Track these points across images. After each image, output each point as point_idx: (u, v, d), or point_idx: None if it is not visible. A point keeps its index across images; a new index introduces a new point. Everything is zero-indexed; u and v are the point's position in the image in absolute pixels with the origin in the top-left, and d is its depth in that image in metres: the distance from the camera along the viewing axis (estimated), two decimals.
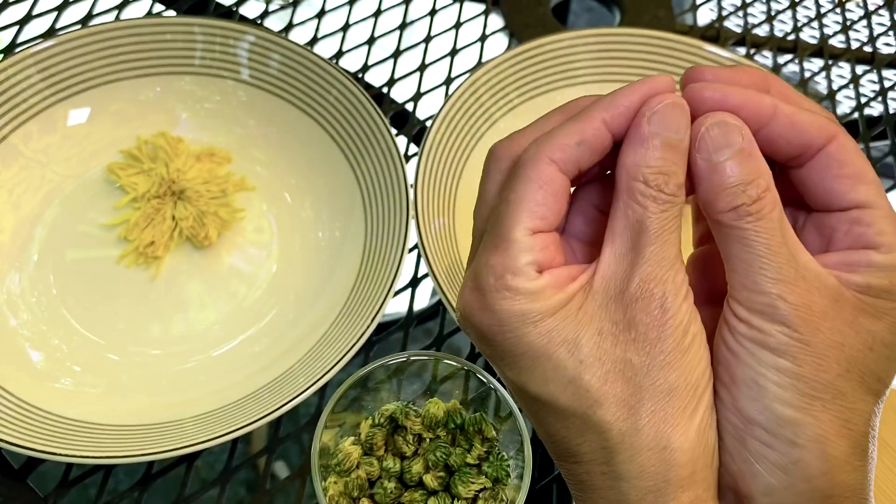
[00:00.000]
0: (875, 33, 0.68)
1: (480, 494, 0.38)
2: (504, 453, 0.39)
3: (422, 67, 0.60)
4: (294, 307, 0.47)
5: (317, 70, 0.51)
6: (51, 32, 0.57)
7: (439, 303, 0.48)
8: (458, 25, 0.63)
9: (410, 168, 0.48)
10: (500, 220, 0.25)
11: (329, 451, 0.39)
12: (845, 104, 0.68)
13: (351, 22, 0.62)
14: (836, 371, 0.23)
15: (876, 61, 0.66)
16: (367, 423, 0.40)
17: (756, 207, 0.23)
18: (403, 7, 0.63)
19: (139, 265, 0.48)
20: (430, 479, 0.38)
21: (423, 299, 0.56)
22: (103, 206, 0.50)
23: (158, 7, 0.61)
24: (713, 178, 0.24)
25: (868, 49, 0.67)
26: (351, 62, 0.59)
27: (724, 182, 0.24)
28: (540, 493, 0.43)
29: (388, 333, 0.47)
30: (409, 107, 0.58)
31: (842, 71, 0.66)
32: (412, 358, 0.40)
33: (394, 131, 0.49)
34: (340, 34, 0.61)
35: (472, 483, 0.38)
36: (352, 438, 0.40)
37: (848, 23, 0.68)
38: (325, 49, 0.59)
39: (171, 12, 0.61)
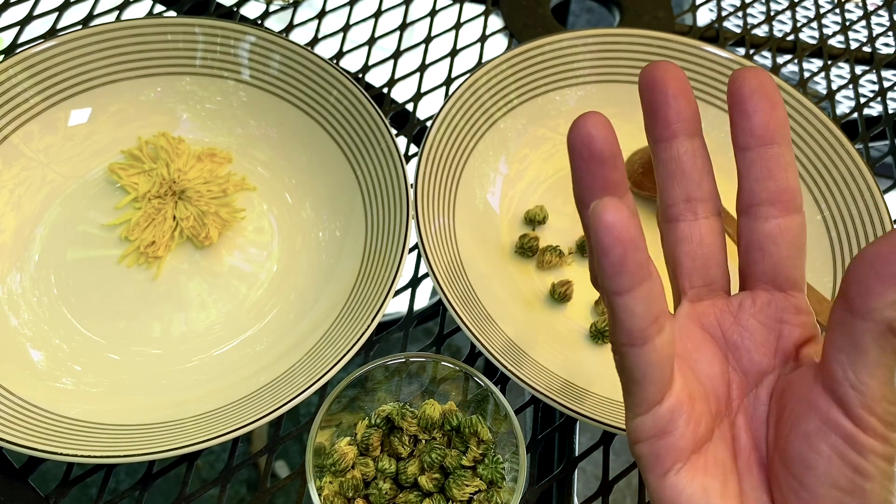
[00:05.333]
0: (874, 34, 0.68)
1: (475, 497, 0.38)
2: (500, 456, 0.39)
3: (422, 68, 0.60)
4: (294, 307, 0.48)
5: (317, 70, 0.51)
6: (52, 33, 0.57)
7: (439, 303, 0.48)
8: (458, 26, 0.63)
9: (410, 168, 0.48)
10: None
11: (325, 450, 0.39)
12: (844, 104, 0.68)
13: (351, 22, 0.62)
14: None
15: (875, 61, 0.66)
16: (364, 423, 0.41)
17: None
18: (404, 8, 0.63)
19: (140, 265, 0.48)
20: (425, 481, 0.38)
21: (423, 299, 0.56)
22: (104, 206, 0.50)
23: (159, 7, 0.61)
24: None
25: (867, 49, 0.67)
26: (351, 62, 0.59)
27: None
28: (540, 494, 0.43)
29: (388, 333, 0.48)
30: (410, 107, 0.58)
31: (841, 71, 0.66)
32: (410, 359, 0.41)
33: (394, 131, 0.49)
34: (341, 35, 0.61)
35: (467, 485, 0.38)
36: (348, 439, 0.40)
37: (847, 23, 0.68)
38: (326, 49, 0.59)
39: (172, 13, 0.61)
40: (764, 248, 0.27)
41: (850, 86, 0.64)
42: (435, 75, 0.59)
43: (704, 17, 0.69)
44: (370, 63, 0.59)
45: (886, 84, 0.64)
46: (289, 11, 0.62)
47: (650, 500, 0.26)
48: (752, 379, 0.27)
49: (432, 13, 0.63)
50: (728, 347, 0.28)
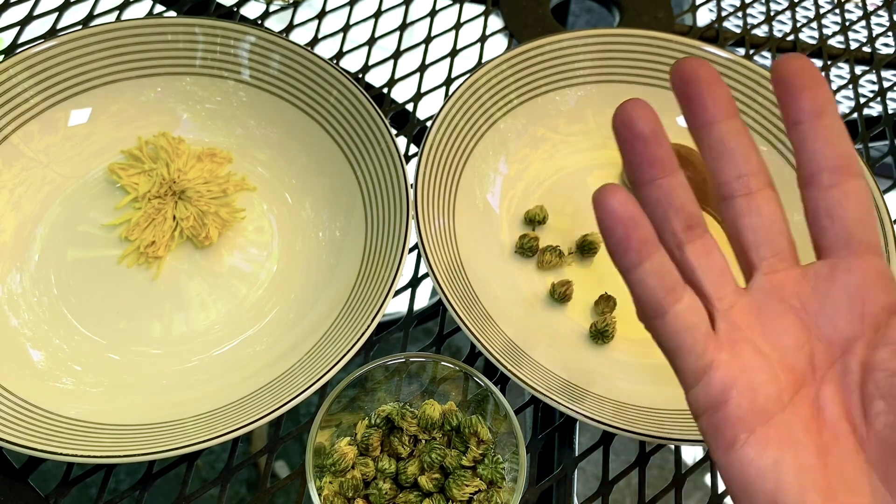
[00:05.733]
0: (874, 34, 0.68)
1: (475, 497, 0.38)
2: (499, 456, 0.39)
3: (422, 68, 0.60)
4: (294, 307, 0.48)
5: (317, 71, 0.51)
6: (52, 33, 0.57)
7: (439, 303, 0.48)
8: (457, 26, 0.63)
9: (410, 168, 0.48)
10: None
11: (325, 450, 0.39)
12: (844, 104, 0.68)
13: (351, 23, 0.62)
14: None
15: (875, 62, 0.66)
16: (364, 423, 0.41)
17: None
18: (404, 8, 0.63)
19: (140, 265, 0.48)
20: (425, 481, 0.38)
21: (423, 299, 0.56)
22: (104, 206, 0.50)
23: (159, 7, 0.61)
24: None
25: (867, 49, 0.67)
26: (351, 63, 0.59)
27: None
28: (540, 494, 0.43)
29: (388, 333, 0.48)
30: (410, 107, 0.58)
31: (841, 71, 0.66)
32: (410, 359, 0.41)
33: (394, 131, 0.49)
34: (341, 35, 0.61)
35: (467, 485, 0.38)
36: (348, 439, 0.40)
37: (847, 23, 0.68)
38: (326, 50, 0.59)
39: (172, 13, 0.61)
40: (833, 214, 0.27)
41: (850, 86, 0.64)
42: (435, 75, 0.59)
43: (704, 17, 0.69)
44: (370, 63, 0.59)
45: (886, 84, 0.64)
46: (289, 11, 0.62)
47: (721, 479, 0.26)
48: (837, 348, 0.27)
49: (432, 13, 0.63)
50: (809, 317, 0.27)
